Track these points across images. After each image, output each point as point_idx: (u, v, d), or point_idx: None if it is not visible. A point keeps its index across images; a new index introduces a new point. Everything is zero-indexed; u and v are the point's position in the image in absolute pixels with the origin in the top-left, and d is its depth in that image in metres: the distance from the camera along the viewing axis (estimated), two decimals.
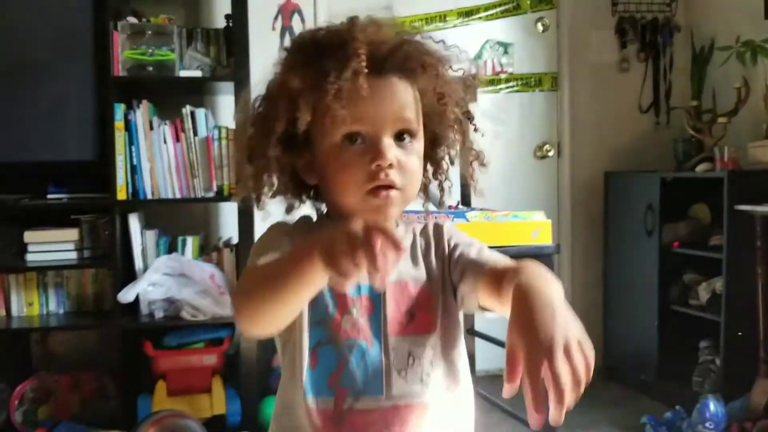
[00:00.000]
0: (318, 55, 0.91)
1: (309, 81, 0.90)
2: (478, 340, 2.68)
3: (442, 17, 3.41)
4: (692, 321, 2.98)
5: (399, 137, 0.91)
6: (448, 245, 0.98)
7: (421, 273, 0.96)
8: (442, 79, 0.95)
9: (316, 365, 0.90)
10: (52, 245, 2.70)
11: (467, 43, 3.40)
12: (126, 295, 2.59)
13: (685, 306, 3.02)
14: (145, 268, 2.71)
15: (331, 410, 0.89)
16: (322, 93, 0.88)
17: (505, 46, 3.48)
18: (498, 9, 3.46)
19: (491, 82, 3.46)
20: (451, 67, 0.97)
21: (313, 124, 0.91)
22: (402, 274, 0.94)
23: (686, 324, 3.03)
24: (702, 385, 2.82)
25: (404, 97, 0.92)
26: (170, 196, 2.69)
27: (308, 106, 0.89)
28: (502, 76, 3.48)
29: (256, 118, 0.95)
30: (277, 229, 0.96)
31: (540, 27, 3.51)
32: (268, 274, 0.82)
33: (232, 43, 2.74)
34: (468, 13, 3.43)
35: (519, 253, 1.88)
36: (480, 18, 3.44)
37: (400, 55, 0.92)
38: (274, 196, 0.98)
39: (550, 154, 3.55)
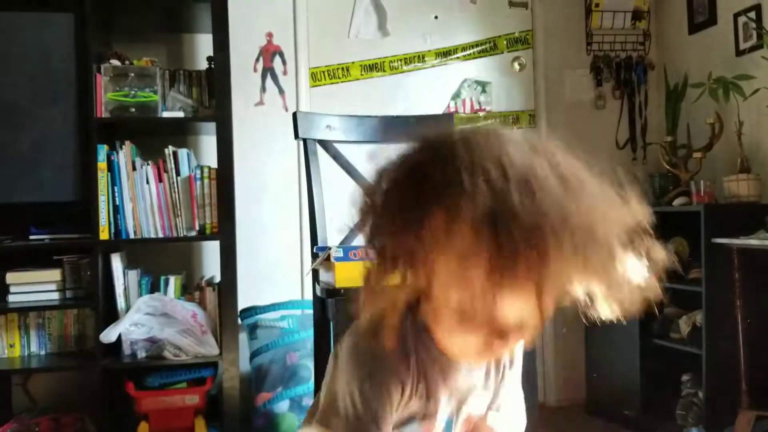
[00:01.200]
0: None
1: None
2: None
3: (421, 57, 3.47)
4: (674, 354, 3.00)
5: None
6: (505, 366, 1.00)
7: (489, 394, 0.99)
8: None
9: None
10: (34, 286, 2.70)
11: (446, 82, 3.48)
12: (108, 336, 2.58)
13: (666, 339, 3.03)
14: (128, 308, 2.71)
15: None
16: None
17: (483, 85, 3.55)
18: (475, 49, 3.54)
19: (470, 119, 3.51)
20: None
21: None
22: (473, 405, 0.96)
23: (668, 357, 3.04)
24: (685, 419, 2.83)
25: None
26: (153, 236, 2.70)
27: None
28: (481, 114, 3.54)
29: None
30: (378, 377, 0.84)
31: (516, 66, 3.59)
32: None
33: (214, 85, 2.78)
34: (446, 54, 3.50)
35: None
36: (458, 58, 3.52)
37: None
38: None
39: None
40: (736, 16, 3.13)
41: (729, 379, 2.68)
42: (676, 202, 3.08)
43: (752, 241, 2.54)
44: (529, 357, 1.87)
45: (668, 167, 3.26)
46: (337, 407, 0.84)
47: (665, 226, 3.18)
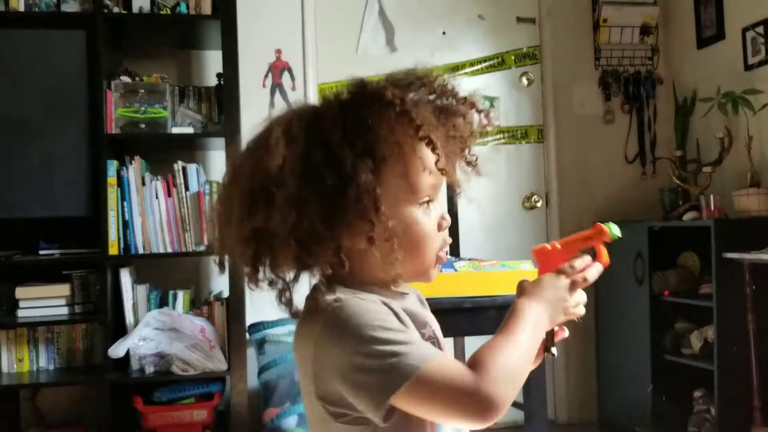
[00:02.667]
0: (440, 111, 0.91)
1: (438, 132, 0.89)
2: None
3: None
4: (685, 370, 2.97)
5: None
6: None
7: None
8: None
9: None
10: (43, 301, 2.71)
11: None
12: (116, 350, 2.58)
13: (677, 355, 3.01)
14: (136, 323, 2.71)
15: None
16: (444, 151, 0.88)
17: (491, 100, 3.56)
18: (483, 64, 3.55)
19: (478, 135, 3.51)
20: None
21: (391, 184, 0.87)
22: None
23: (679, 373, 3.02)
24: None
25: None
26: (161, 251, 2.71)
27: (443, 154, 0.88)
28: (489, 129, 3.54)
29: (316, 166, 0.84)
30: (370, 307, 0.85)
31: (525, 81, 3.59)
32: (518, 352, 0.84)
33: (224, 100, 2.80)
34: (454, 69, 3.51)
35: (507, 303, 1.89)
36: (466, 73, 3.52)
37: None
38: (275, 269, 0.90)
39: (539, 204, 3.59)
40: (744, 30, 3.12)
41: (741, 395, 2.65)
42: (686, 216, 3.06)
43: (763, 256, 2.52)
44: (538, 373, 1.87)
45: (678, 182, 3.25)
46: (383, 362, 0.80)
47: (676, 241, 3.19)
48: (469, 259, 2.25)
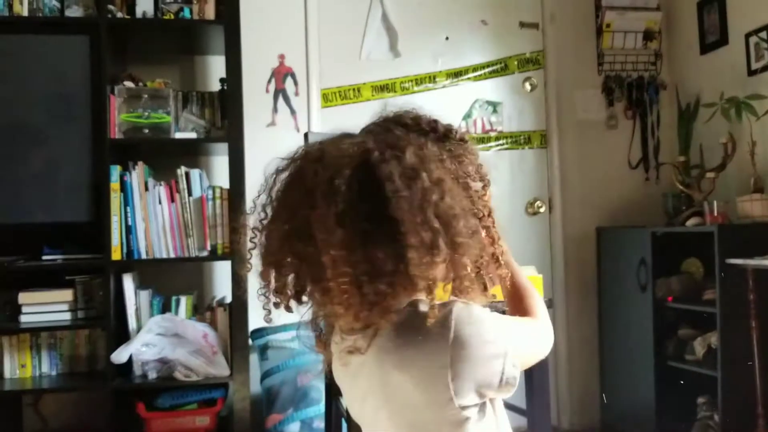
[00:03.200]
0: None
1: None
2: None
3: (432, 78, 3.49)
4: (689, 376, 2.96)
5: None
6: None
7: None
8: None
9: None
10: (46, 306, 2.70)
11: (457, 102, 3.49)
12: (119, 356, 2.58)
13: (681, 361, 3.00)
14: (139, 328, 2.71)
15: None
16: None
17: (494, 105, 3.56)
18: (486, 70, 3.55)
19: (481, 140, 3.52)
20: None
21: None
22: None
23: (683, 380, 3.01)
24: None
25: None
26: (164, 256, 2.71)
27: None
28: (492, 134, 3.55)
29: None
30: (479, 316, 0.96)
31: (528, 86, 3.59)
32: (526, 282, 1.15)
33: (227, 106, 2.81)
34: (457, 74, 3.51)
35: None
36: (469, 78, 3.53)
37: None
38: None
39: (542, 210, 3.58)
40: (747, 36, 3.12)
41: (745, 402, 2.64)
42: (690, 222, 3.06)
43: (767, 262, 2.51)
44: (542, 379, 1.86)
45: (681, 187, 3.25)
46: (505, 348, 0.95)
47: (679, 247, 3.19)
48: None
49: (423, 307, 0.93)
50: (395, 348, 0.93)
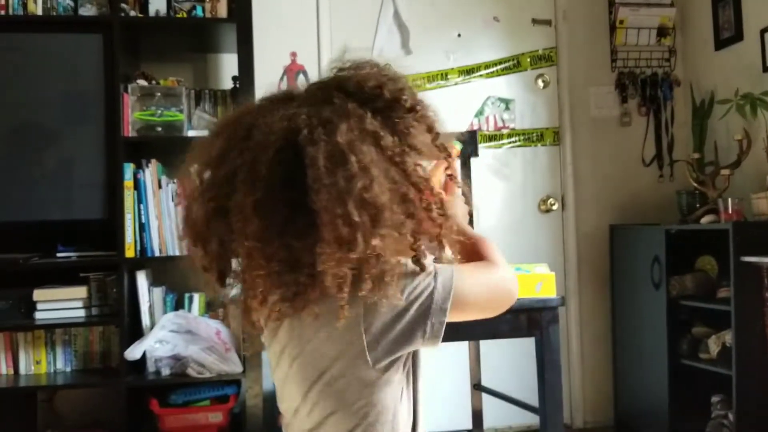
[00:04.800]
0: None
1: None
2: (485, 396, 2.65)
3: (444, 75, 3.48)
4: (703, 375, 2.94)
5: None
6: None
7: None
8: None
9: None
10: (60, 303, 2.72)
11: (469, 99, 3.48)
12: (133, 353, 2.60)
13: (695, 360, 2.98)
14: (152, 325, 2.73)
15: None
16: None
17: (507, 102, 3.54)
18: (498, 67, 3.54)
19: (493, 137, 3.51)
20: None
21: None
22: None
23: (697, 378, 2.99)
24: None
25: None
26: (178, 253, 2.72)
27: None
28: (504, 131, 3.53)
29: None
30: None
31: (540, 83, 3.58)
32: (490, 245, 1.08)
33: (239, 103, 2.81)
34: (469, 71, 3.50)
35: (523, 306, 1.88)
36: (481, 75, 3.52)
37: None
38: None
39: (555, 207, 3.57)
40: (762, 32, 3.09)
41: (760, 401, 2.62)
42: (704, 220, 3.03)
43: None
44: (554, 377, 1.86)
45: (695, 184, 3.22)
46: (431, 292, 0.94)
47: (693, 245, 3.16)
48: None
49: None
50: (315, 299, 0.91)
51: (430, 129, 0.97)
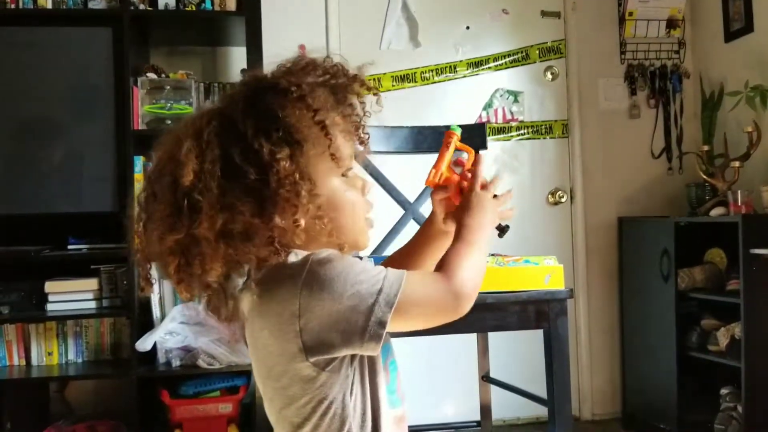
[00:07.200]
0: (334, 91, 0.98)
1: (338, 114, 0.97)
2: (493, 388, 2.66)
3: (453, 68, 3.48)
4: (712, 367, 2.94)
5: None
6: None
7: None
8: None
9: (389, 380, 0.99)
10: (71, 295, 2.75)
11: (478, 92, 3.48)
12: (143, 344, 2.62)
13: (704, 352, 2.98)
14: (163, 317, 2.74)
15: (400, 417, 0.99)
16: (346, 127, 0.97)
17: (515, 95, 3.54)
18: (507, 59, 3.53)
19: (502, 130, 3.50)
20: None
21: (311, 164, 0.92)
22: None
23: (706, 370, 2.99)
24: None
25: None
26: None
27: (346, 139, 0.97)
28: (513, 124, 3.53)
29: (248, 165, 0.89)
30: (340, 257, 0.92)
31: (549, 76, 3.57)
32: (474, 253, 0.98)
33: None
34: (477, 64, 3.50)
35: (531, 298, 1.88)
36: (489, 68, 3.51)
37: None
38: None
39: (563, 200, 3.57)
40: None
41: None
42: (714, 212, 3.03)
43: None
44: (562, 369, 1.86)
45: (705, 177, 3.21)
46: (372, 296, 0.89)
47: (702, 237, 3.16)
48: (492, 255, 2.24)
49: (292, 258, 0.92)
50: (259, 296, 0.92)
51: (308, 108, 0.92)
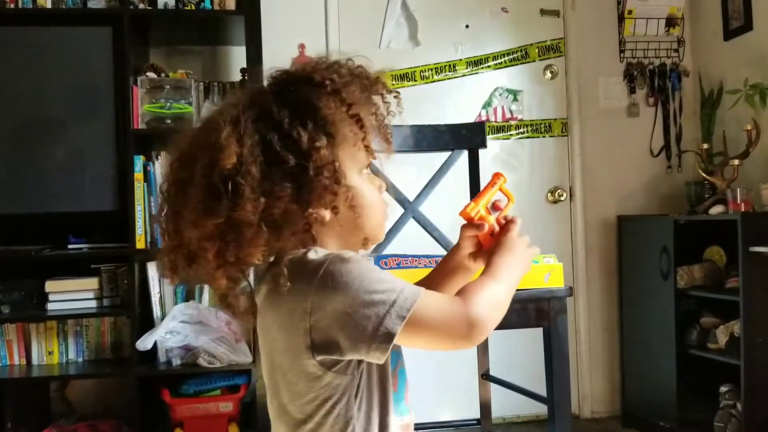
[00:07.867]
0: (363, 89, 0.99)
1: (364, 108, 0.98)
2: (493, 386, 2.66)
3: (452, 66, 3.48)
4: (711, 365, 2.95)
5: None
6: None
7: None
8: None
9: (397, 387, 1.00)
10: (72, 294, 2.75)
11: (477, 91, 3.48)
12: (144, 343, 2.62)
13: (703, 350, 2.98)
14: (163, 316, 2.75)
15: (406, 426, 1.00)
16: (371, 123, 0.98)
17: (515, 94, 3.54)
18: (506, 58, 3.53)
19: (501, 128, 3.51)
20: None
21: (340, 156, 0.94)
22: None
23: (705, 368, 2.99)
24: (724, 431, 2.78)
25: None
26: None
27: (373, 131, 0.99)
28: (512, 122, 3.53)
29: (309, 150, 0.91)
30: (360, 261, 0.92)
31: (548, 74, 3.57)
32: (499, 290, 0.97)
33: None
34: (477, 62, 3.50)
35: (531, 297, 1.89)
36: (489, 67, 3.51)
37: None
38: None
39: (563, 198, 3.57)
40: None
41: None
42: (713, 210, 3.03)
43: None
44: (562, 367, 1.87)
45: (704, 175, 3.22)
46: (385, 304, 0.88)
47: (701, 235, 3.16)
48: None
49: (311, 255, 0.92)
50: (274, 289, 0.92)
51: (343, 102, 0.94)
